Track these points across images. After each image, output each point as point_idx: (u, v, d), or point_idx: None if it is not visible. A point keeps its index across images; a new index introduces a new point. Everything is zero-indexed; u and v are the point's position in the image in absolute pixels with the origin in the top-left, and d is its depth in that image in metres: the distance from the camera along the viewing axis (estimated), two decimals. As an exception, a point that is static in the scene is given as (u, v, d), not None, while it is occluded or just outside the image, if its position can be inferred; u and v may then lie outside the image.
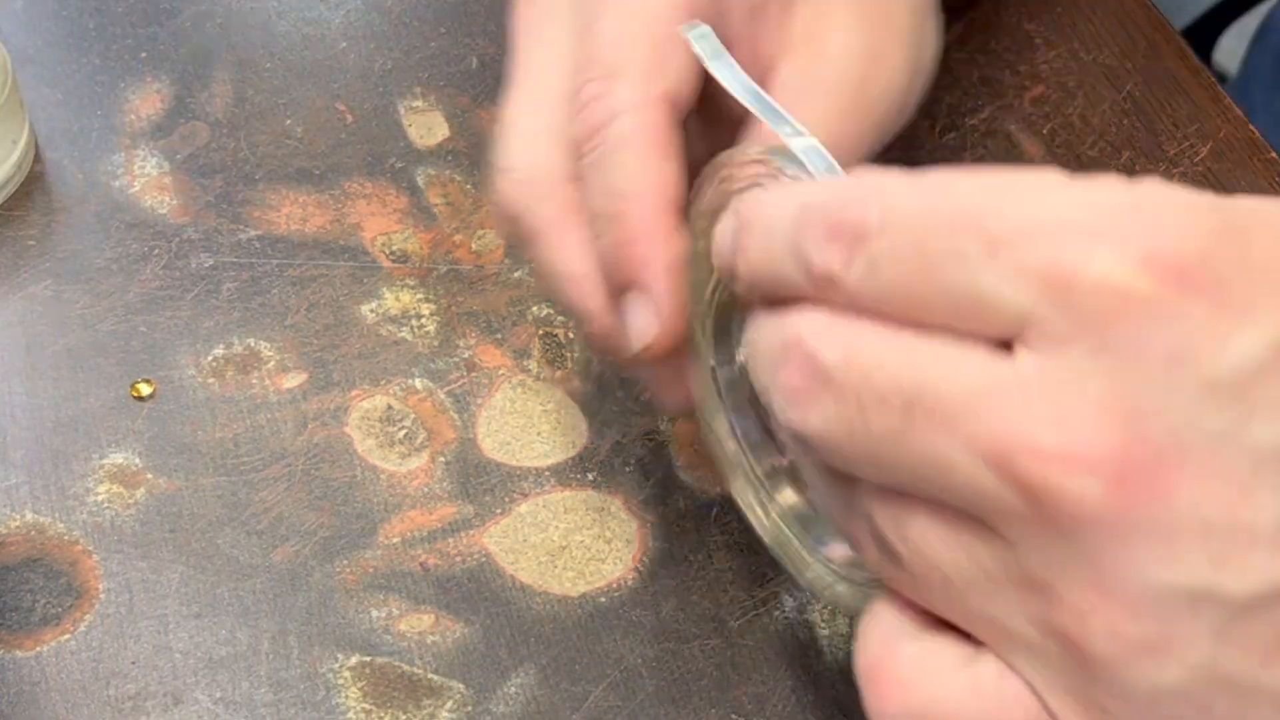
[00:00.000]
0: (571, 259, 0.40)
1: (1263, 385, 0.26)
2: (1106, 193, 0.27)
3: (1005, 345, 0.28)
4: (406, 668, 0.45)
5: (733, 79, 0.38)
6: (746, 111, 0.39)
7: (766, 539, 0.39)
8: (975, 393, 0.27)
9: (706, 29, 0.39)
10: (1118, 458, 0.26)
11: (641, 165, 0.38)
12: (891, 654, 0.30)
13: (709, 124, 0.43)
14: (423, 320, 0.53)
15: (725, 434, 0.40)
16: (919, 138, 0.59)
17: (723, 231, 0.33)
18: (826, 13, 0.42)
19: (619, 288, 0.39)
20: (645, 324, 0.38)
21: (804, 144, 0.34)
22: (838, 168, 0.34)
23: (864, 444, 0.29)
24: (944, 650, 0.30)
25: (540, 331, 0.53)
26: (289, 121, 0.59)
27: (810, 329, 0.30)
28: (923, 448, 0.28)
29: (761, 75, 0.42)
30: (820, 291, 0.29)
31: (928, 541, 0.29)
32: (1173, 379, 0.26)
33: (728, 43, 0.41)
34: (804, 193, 0.31)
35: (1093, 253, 0.26)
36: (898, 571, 0.30)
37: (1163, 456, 0.26)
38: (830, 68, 0.42)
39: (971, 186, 0.28)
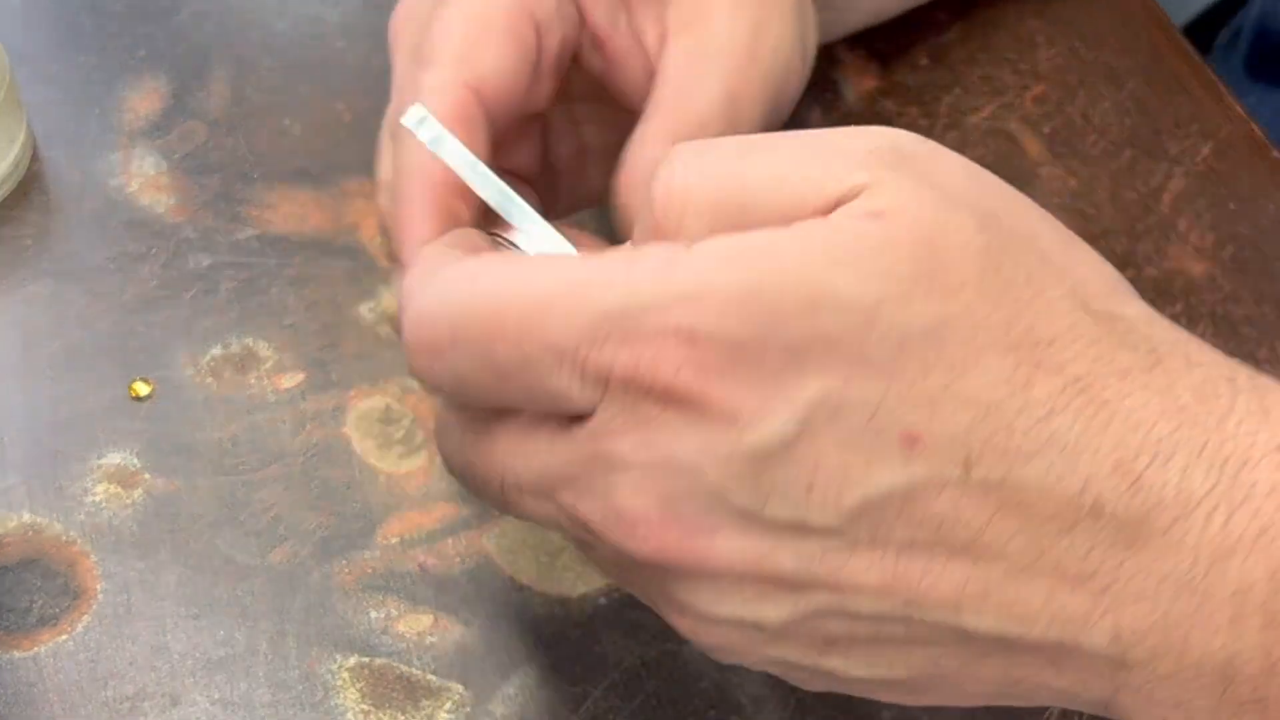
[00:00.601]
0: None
1: (775, 471, 0.31)
2: (648, 286, 0.31)
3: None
4: (405, 668, 0.45)
5: (462, 162, 0.39)
6: (643, 100, 0.43)
7: None
8: (548, 469, 0.33)
9: (425, 114, 0.39)
10: (656, 531, 0.32)
11: (420, 147, 0.40)
12: None
13: (610, 110, 0.46)
14: (421, 320, 0.53)
15: None
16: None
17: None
18: None
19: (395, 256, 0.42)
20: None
21: (534, 233, 0.37)
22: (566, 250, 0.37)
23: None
24: None
25: (539, 331, 0.52)
26: (287, 120, 0.58)
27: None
28: (532, 512, 0.35)
29: (649, 59, 0.45)
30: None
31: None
32: (700, 466, 0.31)
33: (597, 34, 0.44)
34: (410, 298, 0.34)
35: (637, 364, 0.31)
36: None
37: (696, 529, 0.32)
38: (717, 39, 0.44)
39: (525, 295, 0.32)
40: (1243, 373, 0.32)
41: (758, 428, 0.30)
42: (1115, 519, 0.30)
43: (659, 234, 0.33)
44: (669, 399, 0.31)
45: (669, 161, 0.33)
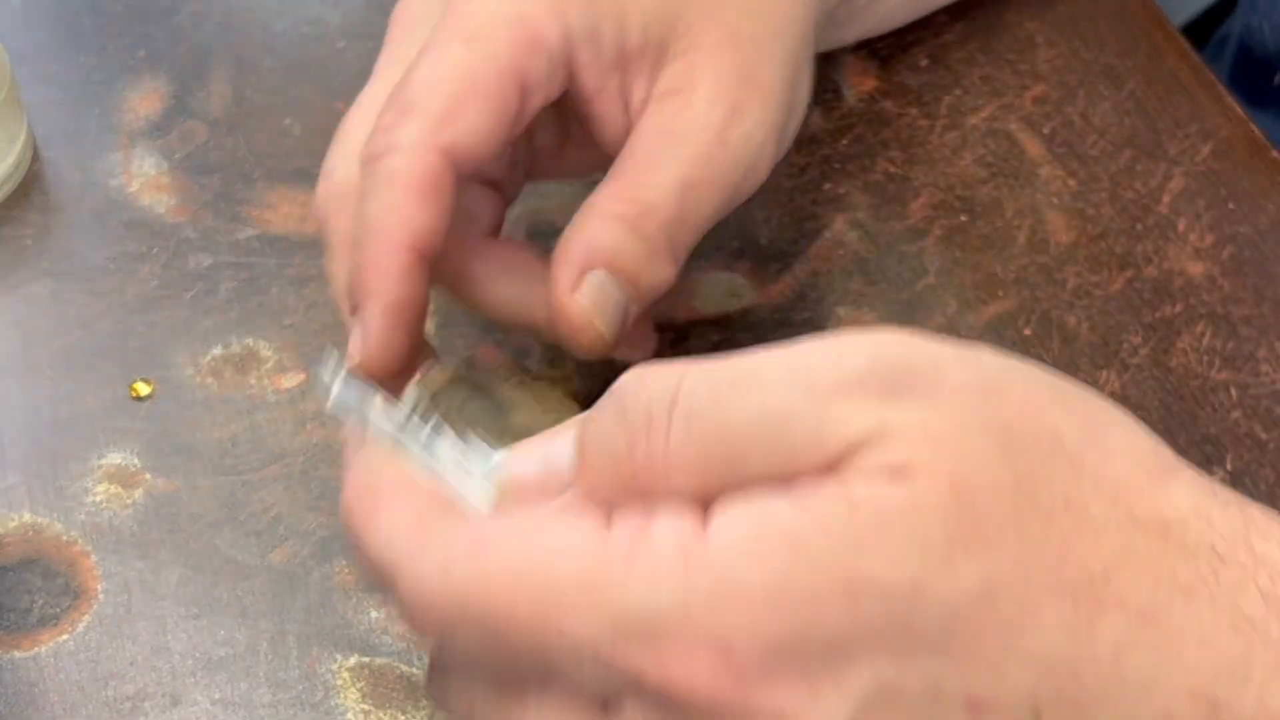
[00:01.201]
0: (338, 271, 0.43)
1: None
2: (669, 585, 0.28)
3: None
4: (405, 668, 0.45)
5: (386, 429, 0.35)
6: (618, 141, 0.43)
7: None
8: None
9: (348, 385, 0.36)
10: None
11: (396, 204, 0.40)
12: None
13: (582, 146, 0.46)
14: (422, 320, 0.53)
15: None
16: (919, 137, 0.58)
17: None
18: (693, 68, 0.44)
19: (354, 306, 0.41)
20: (354, 347, 0.41)
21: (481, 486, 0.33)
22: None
23: None
24: None
25: (540, 331, 0.52)
26: (287, 120, 0.58)
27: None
28: None
29: (630, 122, 0.44)
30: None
31: None
32: None
33: (584, 93, 0.43)
34: (387, 538, 0.32)
35: (669, 678, 0.28)
36: None
37: None
38: (690, 117, 0.43)
39: (539, 593, 0.29)
40: None
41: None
42: None
43: (634, 472, 0.30)
44: (708, 704, 0.28)
45: (637, 411, 0.30)
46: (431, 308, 0.53)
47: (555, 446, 0.33)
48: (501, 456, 0.33)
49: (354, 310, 0.42)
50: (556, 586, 0.29)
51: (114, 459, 0.49)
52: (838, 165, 0.58)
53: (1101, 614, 0.28)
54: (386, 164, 0.41)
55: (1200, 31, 0.87)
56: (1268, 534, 0.30)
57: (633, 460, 0.30)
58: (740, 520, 0.28)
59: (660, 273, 0.43)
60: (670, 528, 0.29)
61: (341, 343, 0.52)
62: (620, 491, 0.30)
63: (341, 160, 0.44)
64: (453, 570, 0.30)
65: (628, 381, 0.31)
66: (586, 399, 0.51)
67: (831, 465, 0.29)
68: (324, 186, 0.44)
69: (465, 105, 0.41)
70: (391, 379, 0.41)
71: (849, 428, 0.29)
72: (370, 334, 0.41)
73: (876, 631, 0.28)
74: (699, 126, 0.43)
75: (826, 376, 0.29)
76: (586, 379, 0.51)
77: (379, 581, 0.32)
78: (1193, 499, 0.30)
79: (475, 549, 0.30)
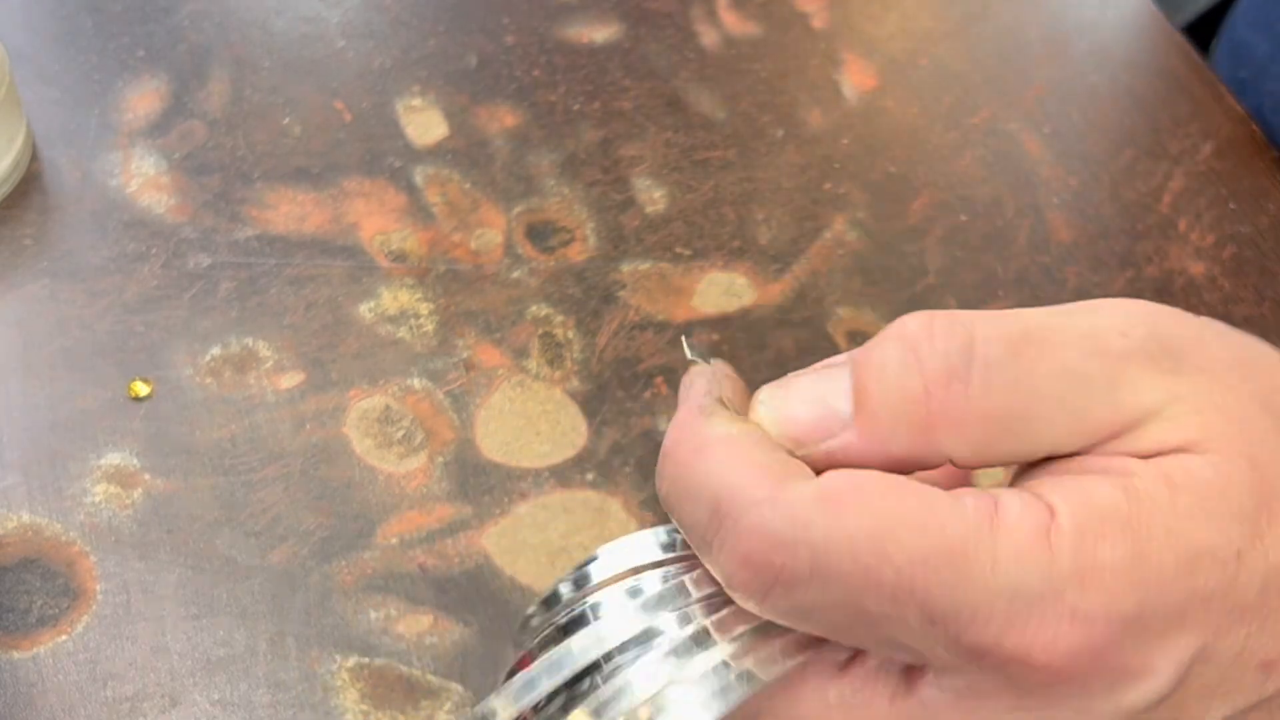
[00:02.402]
0: None
1: (1146, 717, 0.30)
2: (1034, 569, 0.29)
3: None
4: (405, 669, 0.45)
5: None
6: None
7: None
8: None
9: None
10: None
11: None
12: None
13: None
14: (421, 320, 0.53)
15: None
16: (920, 137, 0.58)
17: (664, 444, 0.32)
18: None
19: None
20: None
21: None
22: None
23: None
24: None
25: (539, 331, 0.52)
26: (287, 120, 0.58)
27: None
28: None
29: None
30: (732, 594, 0.30)
31: None
32: None
33: None
34: (719, 483, 0.30)
35: (1030, 651, 0.29)
36: None
37: None
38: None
39: (910, 558, 0.29)
40: None
41: (1140, 688, 0.30)
42: None
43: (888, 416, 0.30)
44: (1058, 675, 0.29)
45: (935, 359, 0.30)
46: (431, 307, 0.53)
47: (826, 384, 0.31)
48: (767, 393, 0.32)
49: None
50: (925, 556, 0.29)
51: (113, 459, 0.49)
52: (838, 165, 0.58)
53: None
54: None
55: (1202, 31, 0.87)
56: None
57: (928, 408, 0.30)
58: (1074, 502, 0.29)
59: None
60: (1021, 506, 0.29)
61: (340, 343, 0.52)
62: (907, 437, 0.30)
63: None
64: (811, 523, 0.29)
65: (915, 328, 0.30)
66: (584, 399, 0.51)
67: (1124, 431, 0.30)
68: None
69: None
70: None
71: (1142, 396, 0.30)
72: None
73: (1207, 599, 0.29)
74: None
75: (1116, 343, 0.30)
76: (585, 379, 0.51)
77: (701, 528, 0.30)
78: None
79: (833, 505, 0.29)
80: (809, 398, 0.32)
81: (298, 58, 0.61)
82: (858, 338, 0.53)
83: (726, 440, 0.31)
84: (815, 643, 0.31)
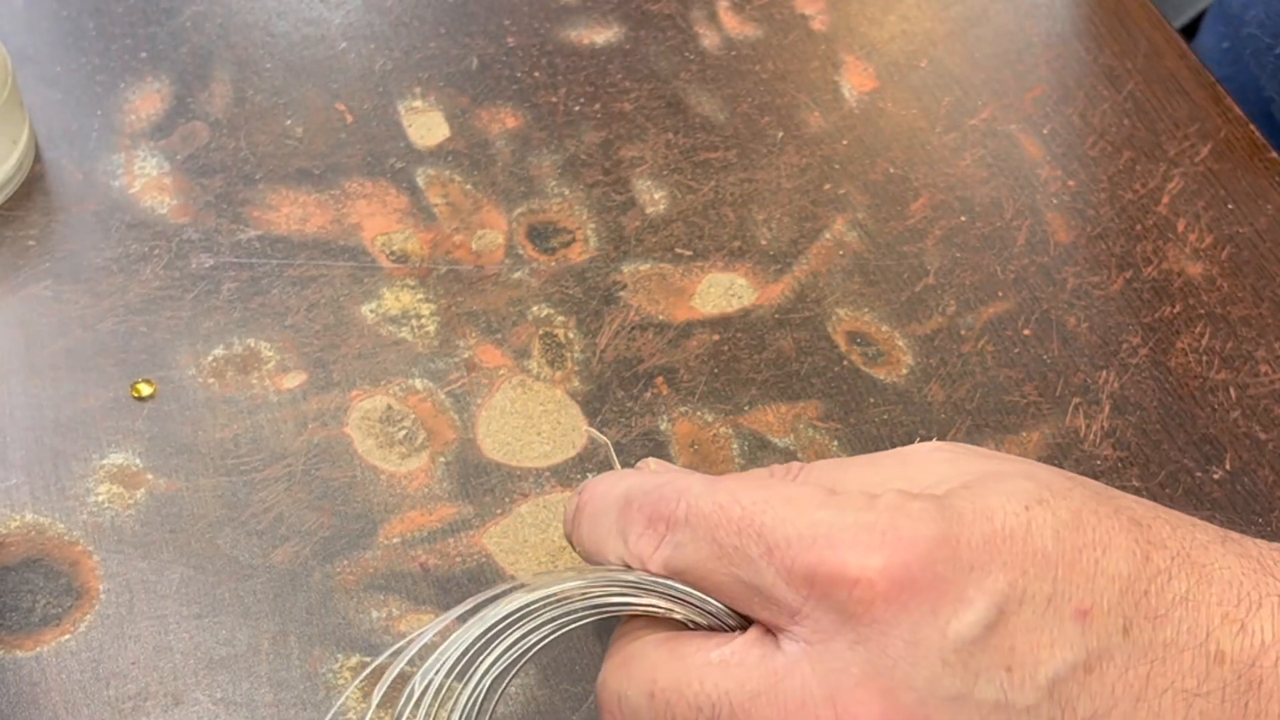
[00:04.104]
0: None
1: (979, 655, 0.34)
2: (855, 511, 0.35)
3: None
4: (406, 668, 0.45)
5: None
6: None
7: None
8: (762, 689, 0.35)
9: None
10: None
11: None
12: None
13: None
14: (422, 320, 0.53)
15: None
16: (919, 137, 0.59)
17: (568, 511, 0.40)
18: None
19: None
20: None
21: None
22: None
23: None
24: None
25: (540, 331, 0.53)
26: (289, 121, 0.59)
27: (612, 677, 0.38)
28: None
29: None
30: (635, 563, 0.37)
31: None
32: (914, 658, 0.34)
33: None
34: (628, 487, 0.38)
35: (846, 563, 0.34)
36: None
37: (913, 716, 0.34)
38: None
39: (753, 499, 0.36)
40: (1274, 544, 0.38)
41: (963, 616, 0.34)
42: (1235, 662, 0.35)
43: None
44: (877, 593, 0.34)
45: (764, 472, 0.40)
46: (433, 308, 0.53)
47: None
48: (655, 462, 0.42)
49: None
50: (766, 499, 0.36)
51: (116, 459, 0.49)
52: (838, 165, 0.58)
53: (1153, 550, 0.36)
54: None
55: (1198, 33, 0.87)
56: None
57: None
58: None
59: None
60: (857, 493, 0.36)
61: (342, 344, 0.52)
62: None
63: None
64: (688, 489, 0.37)
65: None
66: (585, 400, 0.51)
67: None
68: None
69: None
70: None
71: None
72: None
73: (1005, 538, 0.35)
74: None
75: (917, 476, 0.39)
76: (586, 380, 0.52)
77: (611, 520, 0.38)
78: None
79: (703, 479, 0.37)
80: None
81: (300, 59, 0.61)
82: (857, 338, 0.53)
83: (631, 471, 0.40)
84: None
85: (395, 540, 0.48)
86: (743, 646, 0.36)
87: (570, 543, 0.40)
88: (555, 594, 0.38)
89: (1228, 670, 0.35)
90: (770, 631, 0.36)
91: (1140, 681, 0.35)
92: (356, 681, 0.45)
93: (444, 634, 0.38)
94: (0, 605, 0.46)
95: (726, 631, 0.37)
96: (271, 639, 0.45)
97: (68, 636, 0.45)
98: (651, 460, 0.42)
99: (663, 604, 0.37)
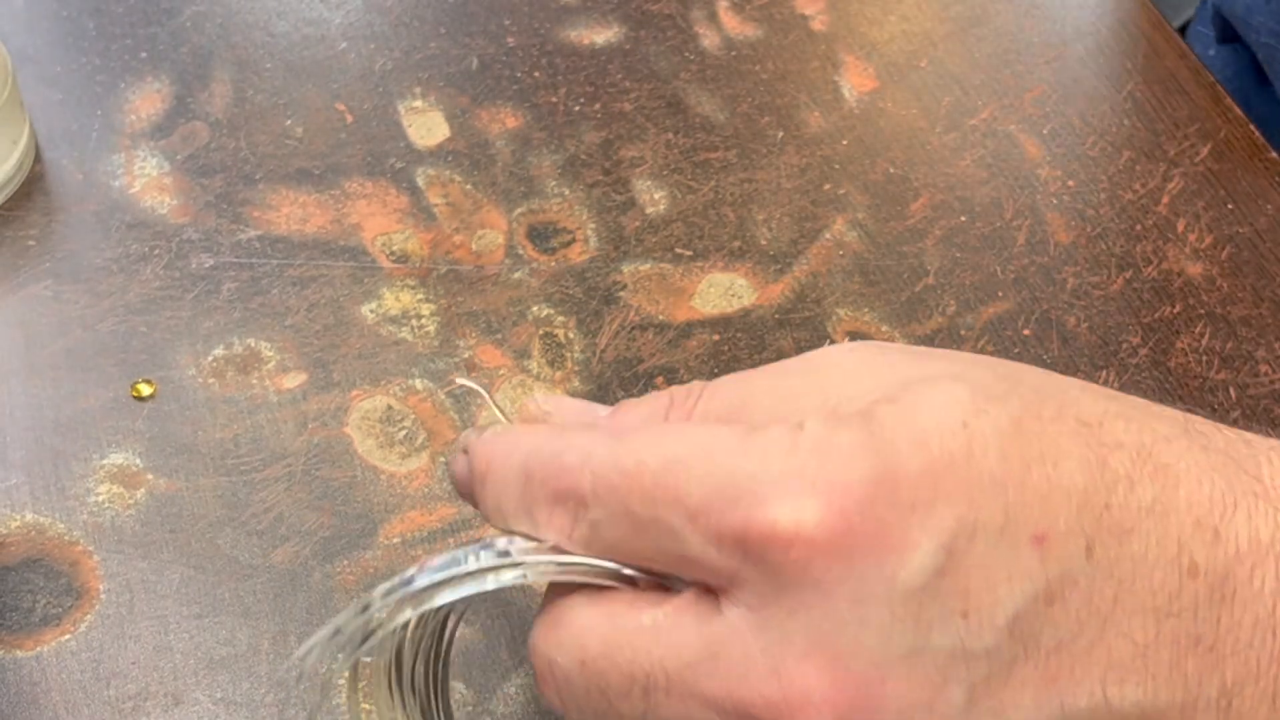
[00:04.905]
0: None
1: (931, 604, 0.31)
2: (779, 456, 0.31)
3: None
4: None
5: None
6: None
7: None
8: (700, 658, 0.32)
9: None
10: (832, 696, 0.31)
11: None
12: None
13: None
14: (423, 320, 0.53)
15: None
16: (920, 137, 0.59)
17: (459, 468, 0.36)
18: None
19: None
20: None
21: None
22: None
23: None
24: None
25: (540, 331, 0.53)
26: (289, 122, 0.59)
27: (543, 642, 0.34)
28: (671, 716, 0.33)
29: None
30: (552, 541, 0.34)
31: None
32: (861, 618, 0.31)
33: None
34: (525, 456, 0.34)
35: (776, 522, 0.31)
36: None
37: (867, 681, 0.31)
38: None
39: (662, 458, 0.32)
40: (1243, 434, 0.35)
41: (908, 562, 0.31)
42: (1209, 575, 0.32)
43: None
44: (814, 548, 0.31)
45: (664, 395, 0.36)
46: (433, 308, 0.53)
47: (591, 407, 0.37)
48: (542, 395, 0.38)
49: None
50: (678, 456, 0.32)
51: (116, 459, 0.49)
52: (838, 165, 0.58)
53: (1108, 452, 0.32)
54: None
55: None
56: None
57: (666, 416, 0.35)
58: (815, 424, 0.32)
59: None
60: (776, 427, 0.32)
61: (342, 344, 0.52)
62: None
63: None
64: (591, 453, 0.33)
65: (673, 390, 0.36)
66: (585, 399, 0.51)
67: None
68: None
69: None
70: None
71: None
72: None
73: (947, 465, 0.31)
74: None
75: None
76: (586, 380, 0.52)
77: (516, 493, 0.34)
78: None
79: (603, 438, 0.33)
80: (577, 406, 0.37)
81: (300, 59, 0.61)
82: (857, 338, 0.53)
83: (524, 430, 0.35)
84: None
85: (395, 540, 0.48)
86: (677, 609, 0.33)
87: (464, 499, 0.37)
88: (496, 590, 0.35)
89: (1200, 584, 0.32)
90: (712, 590, 0.33)
91: (1107, 604, 0.32)
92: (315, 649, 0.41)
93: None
94: (0, 605, 0.46)
95: (665, 590, 0.34)
96: (272, 639, 0.45)
97: (68, 636, 0.45)
98: (537, 397, 0.38)
99: (595, 578, 0.34)
